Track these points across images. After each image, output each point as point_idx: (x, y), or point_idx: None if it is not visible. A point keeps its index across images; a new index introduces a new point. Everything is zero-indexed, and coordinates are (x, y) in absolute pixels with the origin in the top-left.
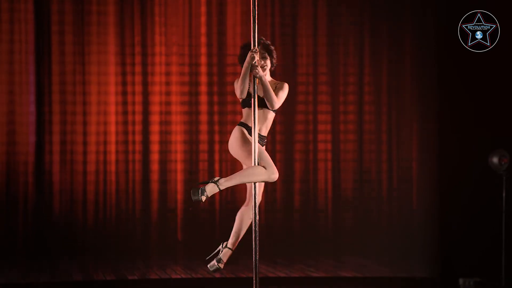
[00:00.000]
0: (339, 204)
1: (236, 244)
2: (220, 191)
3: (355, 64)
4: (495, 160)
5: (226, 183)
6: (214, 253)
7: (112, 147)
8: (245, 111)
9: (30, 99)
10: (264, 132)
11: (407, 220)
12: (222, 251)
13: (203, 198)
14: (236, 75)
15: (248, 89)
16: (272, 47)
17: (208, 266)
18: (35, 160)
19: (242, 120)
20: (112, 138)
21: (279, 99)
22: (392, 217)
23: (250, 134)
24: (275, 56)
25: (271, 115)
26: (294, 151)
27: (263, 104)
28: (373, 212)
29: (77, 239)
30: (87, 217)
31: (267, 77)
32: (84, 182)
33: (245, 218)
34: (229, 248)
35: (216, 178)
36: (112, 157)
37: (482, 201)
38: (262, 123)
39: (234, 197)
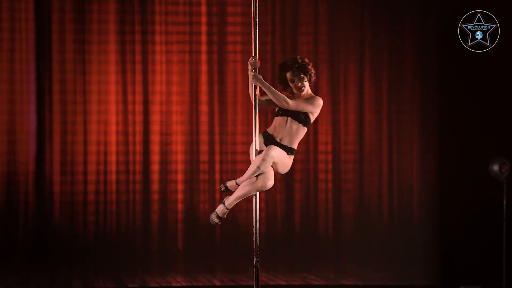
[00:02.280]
0: (339, 211)
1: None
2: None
3: (355, 71)
4: (495, 167)
5: (228, 201)
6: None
7: (112, 157)
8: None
9: (30, 108)
10: (287, 143)
11: (407, 227)
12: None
13: (217, 221)
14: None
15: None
16: (309, 66)
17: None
18: (35, 169)
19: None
20: (113, 151)
21: (300, 105)
22: (392, 225)
23: (269, 143)
24: (312, 73)
25: (296, 126)
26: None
27: (288, 113)
28: (374, 220)
29: (77, 247)
30: (87, 225)
31: (305, 93)
32: (84, 194)
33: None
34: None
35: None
36: (113, 166)
37: (483, 208)
38: (285, 132)
39: (234, 207)
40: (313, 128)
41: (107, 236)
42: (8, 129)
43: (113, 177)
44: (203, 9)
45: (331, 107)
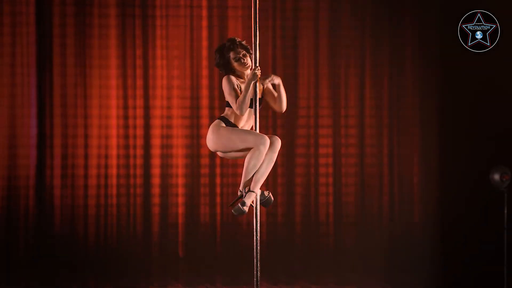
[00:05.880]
0: (341, 219)
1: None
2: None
3: (356, 78)
4: (496, 177)
5: (245, 185)
6: (236, 199)
7: (113, 161)
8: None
9: (31, 112)
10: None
11: (408, 236)
12: (245, 195)
13: (246, 209)
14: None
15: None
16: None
17: (232, 211)
18: (36, 177)
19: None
20: (114, 154)
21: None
22: (394, 234)
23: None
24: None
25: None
26: (295, 166)
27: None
28: (375, 230)
29: (77, 256)
30: (88, 230)
31: (248, 70)
32: (85, 198)
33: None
34: (251, 191)
35: (240, 194)
36: (113, 170)
37: (484, 216)
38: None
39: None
40: (314, 133)
41: (108, 241)
42: (9, 133)
43: (114, 181)
44: (204, 12)
45: (332, 111)
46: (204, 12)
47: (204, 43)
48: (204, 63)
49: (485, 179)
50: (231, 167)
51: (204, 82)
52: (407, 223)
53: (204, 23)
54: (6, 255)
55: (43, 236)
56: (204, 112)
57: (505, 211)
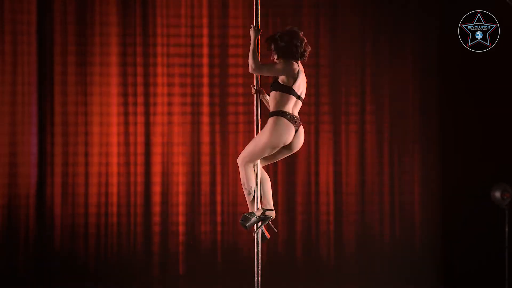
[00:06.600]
0: (341, 231)
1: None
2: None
3: (357, 91)
4: (497, 194)
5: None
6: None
7: (114, 179)
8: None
9: (32, 129)
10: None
11: (409, 247)
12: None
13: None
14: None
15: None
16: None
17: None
18: (36, 193)
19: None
20: (114, 169)
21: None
22: (395, 246)
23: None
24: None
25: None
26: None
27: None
28: (376, 243)
29: (78, 272)
30: (88, 248)
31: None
32: (85, 213)
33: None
34: (268, 209)
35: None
36: (114, 189)
37: (486, 236)
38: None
39: (236, 231)
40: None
41: (108, 260)
42: (9, 151)
43: (115, 199)
44: (205, 20)
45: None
46: (205, 20)
47: (205, 50)
48: (205, 71)
49: (487, 197)
50: (231, 186)
51: (205, 89)
52: (408, 244)
53: (205, 31)
54: (6, 274)
55: (43, 255)
56: (205, 128)
57: (506, 229)
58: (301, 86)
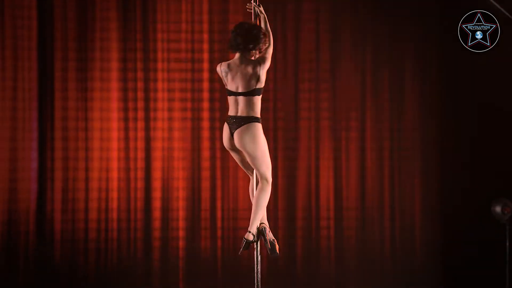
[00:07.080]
0: (342, 243)
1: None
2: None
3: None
4: (497, 209)
5: (255, 226)
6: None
7: (114, 194)
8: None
9: (32, 145)
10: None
11: (410, 259)
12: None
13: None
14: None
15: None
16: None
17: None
18: (37, 208)
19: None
20: (114, 184)
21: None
22: (395, 257)
23: None
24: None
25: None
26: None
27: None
28: (376, 255)
29: (78, 287)
30: (88, 264)
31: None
32: (85, 228)
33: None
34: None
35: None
36: (114, 204)
37: (487, 252)
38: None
39: (236, 245)
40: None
41: (108, 276)
42: (9, 167)
43: (115, 215)
44: (205, 36)
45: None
46: (206, 36)
47: (206, 65)
48: (205, 86)
49: (487, 212)
50: (232, 201)
51: (206, 105)
52: (409, 246)
53: (205, 46)
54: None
55: (43, 271)
56: (206, 144)
57: (507, 244)
58: None
